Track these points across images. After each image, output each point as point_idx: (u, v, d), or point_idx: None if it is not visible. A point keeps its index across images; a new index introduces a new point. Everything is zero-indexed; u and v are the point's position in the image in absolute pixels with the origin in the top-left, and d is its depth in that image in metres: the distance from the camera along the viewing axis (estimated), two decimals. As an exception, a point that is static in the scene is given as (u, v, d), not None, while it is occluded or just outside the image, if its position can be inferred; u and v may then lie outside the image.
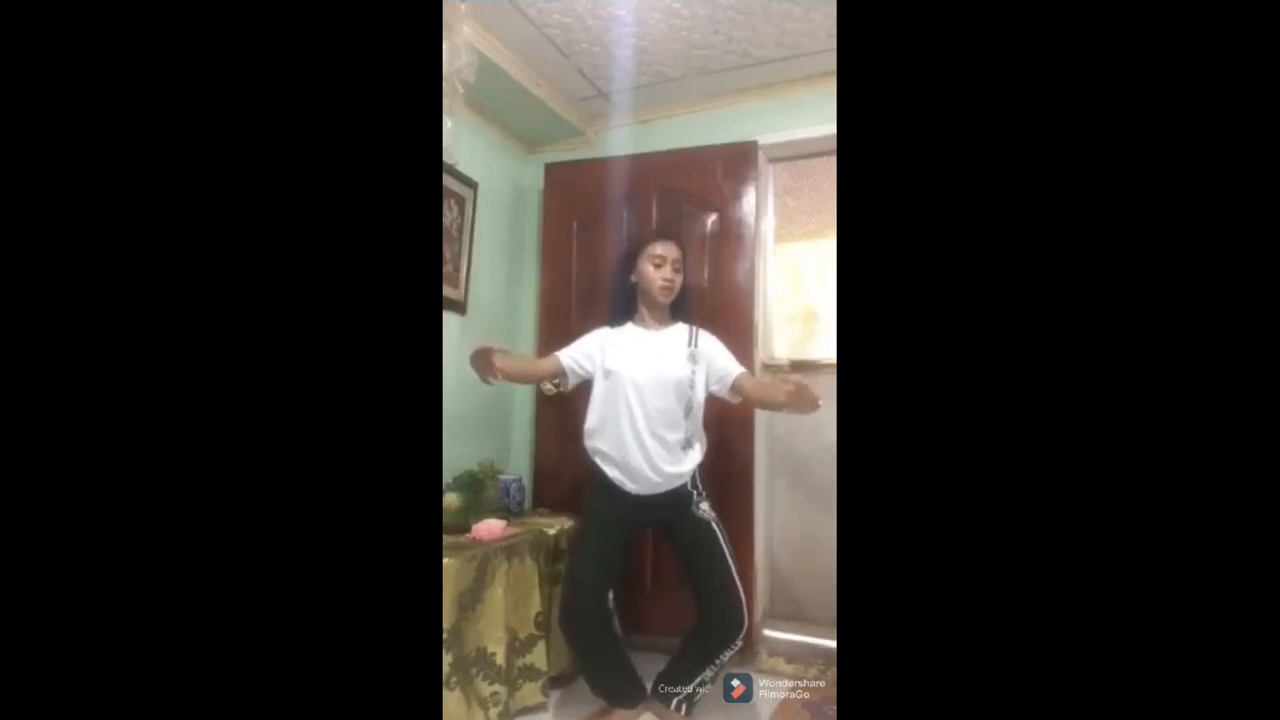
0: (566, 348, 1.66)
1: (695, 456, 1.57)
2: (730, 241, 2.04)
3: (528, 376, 1.80)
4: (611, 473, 1.55)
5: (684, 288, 1.66)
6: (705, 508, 1.56)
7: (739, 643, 1.50)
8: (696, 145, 2.12)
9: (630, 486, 1.53)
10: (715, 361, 1.60)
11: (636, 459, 1.51)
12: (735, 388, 1.58)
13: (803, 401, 1.35)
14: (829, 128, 1.99)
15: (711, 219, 2.07)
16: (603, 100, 2.21)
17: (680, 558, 1.59)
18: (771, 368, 2.20)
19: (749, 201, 2.04)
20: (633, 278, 1.64)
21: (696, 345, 1.61)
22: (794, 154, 2.19)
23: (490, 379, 1.49)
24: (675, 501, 1.55)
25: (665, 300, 1.61)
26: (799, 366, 2.19)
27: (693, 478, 1.57)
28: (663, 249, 1.61)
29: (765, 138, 2.09)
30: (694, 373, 1.56)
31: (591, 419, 1.59)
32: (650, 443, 1.51)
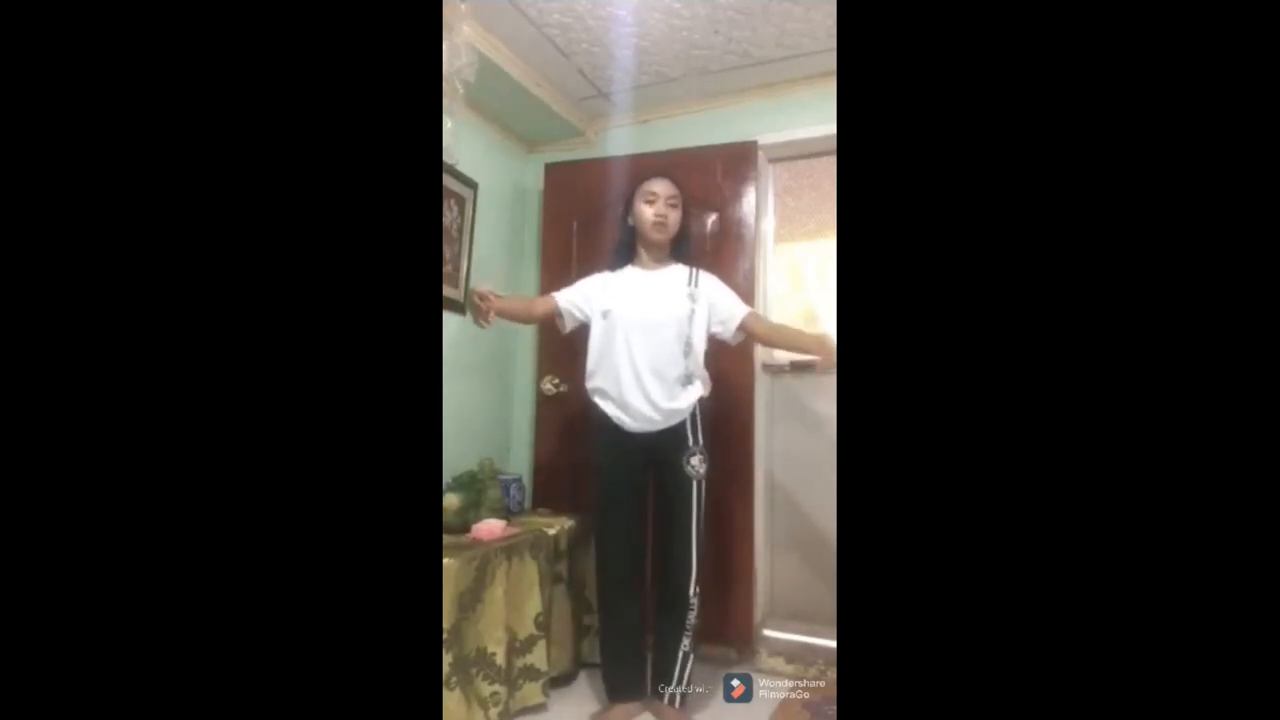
0: (564, 289, 1.68)
1: (695, 392, 1.56)
2: (730, 241, 2.04)
3: (523, 316, 1.82)
4: (610, 410, 1.57)
5: (684, 229, 1.66)
6: (695, 462, 1.54)
7: (694, 599, 1.52)
8: (696, 145, 2.12)
9: (629, 424, 1.55)
10: (719, 304, 1.59)
11: (635, 396, 1.53)
12: (743, 327, 1.59)
13: (826, 350, 1.44)
14: (829, 128, 1.98)
15: (711, 219, 2.07)
16: (603, 100, 2.21)
17: (658, 509, 1.61)
18: (771, 368, 2.20)
19: (749, 201, 2.04)
20: (630, 220, 1.65)
21: (696, 285, 1.60)
22: (794, 154, 2.19)
23: (483, 322, 1.58)
24: (673, 444, 1.54)
25: (659, 237, 1.60)
26: (799, 366, 2.19)
27: (694, 420, 1.56)
28: (655, 186, 1.60)
29: (765, 138, 2.09)
30: (693, 311, 1.56)
31: (591, 359, 1.61)
32: (649, 380, 1.52)
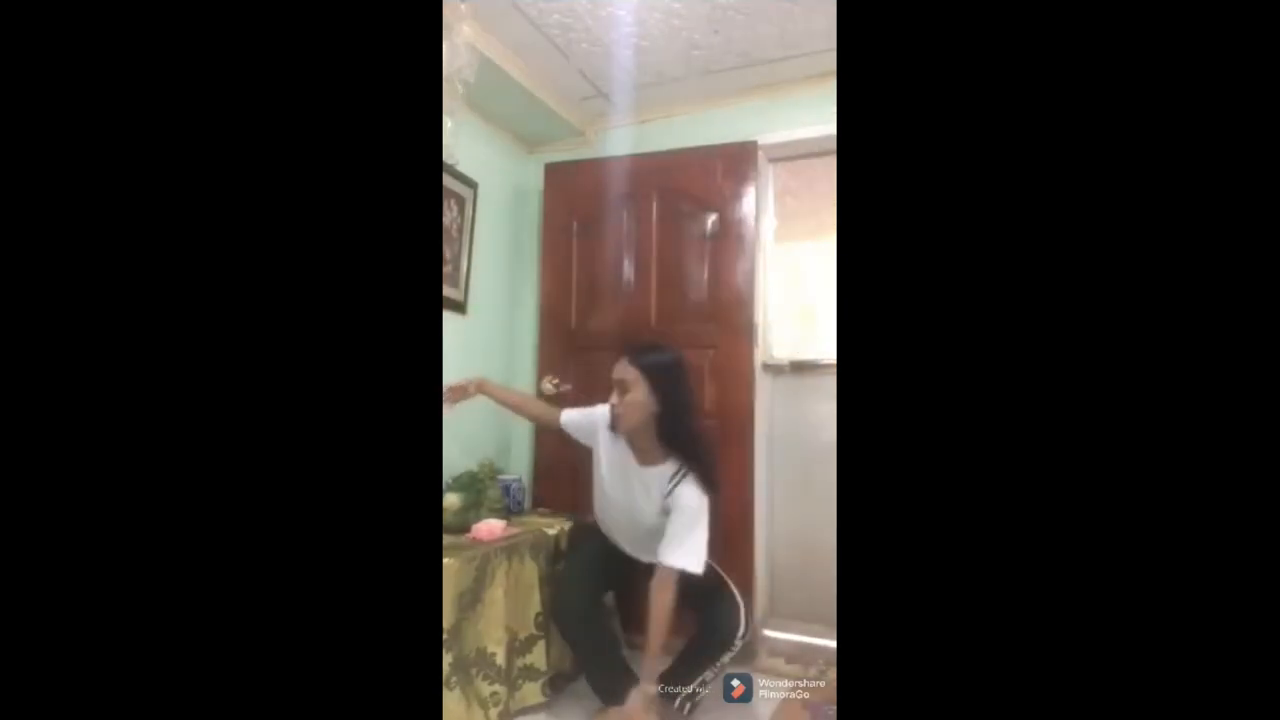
0: (571, 411, 1.66)
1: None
2: (730, 241, 2.04)
3: (523, 412, 1.82)
4: (608, 533, 1.63)
5: (666, 414, 1.42)
6: None
7: (738, 644, 1.50)
8: (696, 145, 2.12)
9: (625, 549, 1.59)
10: (673, 529, 1.39)
11: (625, 545, 1.57)
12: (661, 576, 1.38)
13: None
14: (829, 128, 1.98)
15: (711, 219, 2.07)
16: (603, 100, 2.21)
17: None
18: (771, 367, 2.20)
19: (749, 201, 2.04)
20: None
21: (671, 495, 1.41)
22: (794, 154, 2.19)
23: (450, 401, 1.62)
24: None
25: (621, 430, 1.47)
26: (799, 366, 2.19)
27: None
28: (615, 371, 1.44)
29: (765, 138, 2.09)
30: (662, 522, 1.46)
31: (594, 494, 1.63)
32: (636, 545, 1.54)
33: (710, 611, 1.51)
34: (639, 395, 1.41)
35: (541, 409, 1.76)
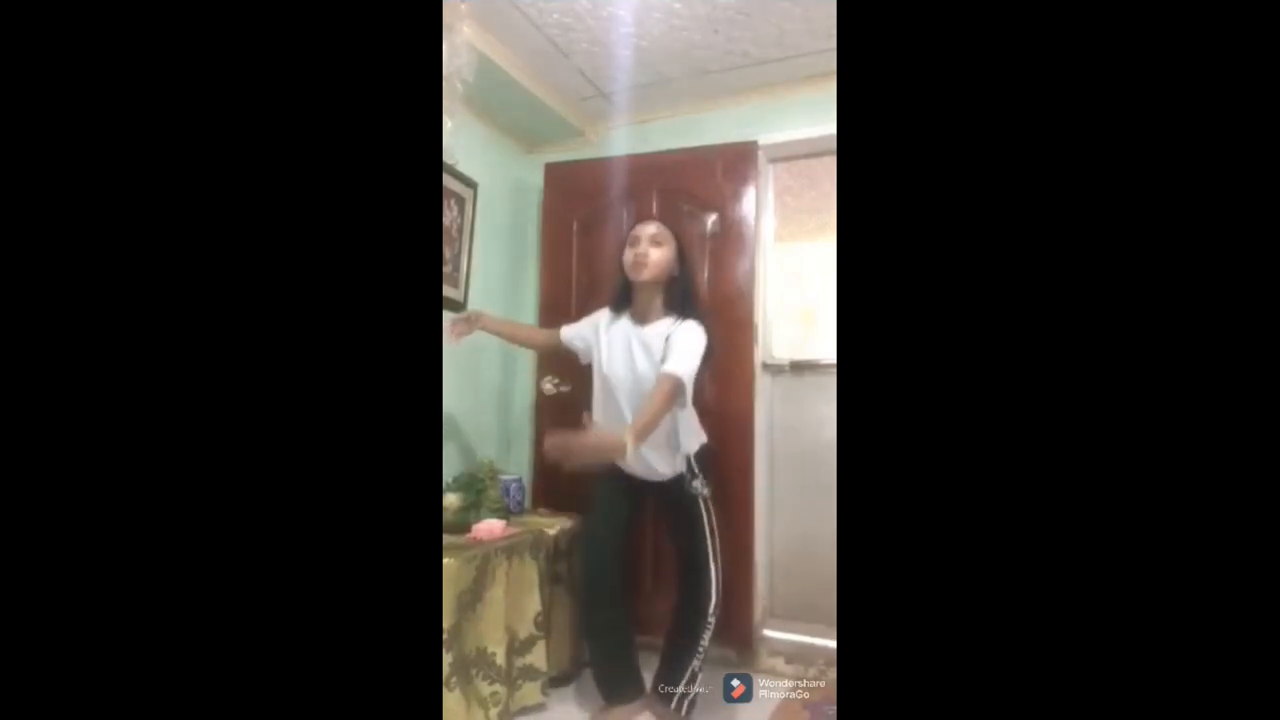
0: (569, 325, 1.71)
1: (689, 447, 1.56)
2: (730, 241, 2.04)
3: (521, 340, 1.90)
4: (606, 425, 1.59)
5: (681, 277, 1.55)
6: (698, 484, 1.56)
7: (712, 618, 1.50)
8: (696, 145, 2.12)
9: (625, 469, 1.57)
10: (668, 350, 1.43)
11: (630, 454, 1.52)
12: (659, 377, 1.40)
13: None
14: (829, 128, 1.98)
15: (711, 219, 2.07)
16: (603, 100, 2.21)
17: (667, 525, 1.61)
18: (771, 367, 2.20)
19: (749, 201, 2.04)
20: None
21: (670, 339, 1.44)
22: (794, 154, 2.19)
23: (452, 339, 1.66)
24: (672, 479, 1.57)
25: (639, 278, 1.51)
26: (799, 366, 2.19)
27: (690, 464, 1.57)
28: (640, 228, 1.55)
29: (765, 138, 2.09)
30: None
31: (595, 408, 1.62)
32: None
33: (688, 575, 1.55)
34: (668, 253, 1.53)
35: (541, 334, 1.84)
